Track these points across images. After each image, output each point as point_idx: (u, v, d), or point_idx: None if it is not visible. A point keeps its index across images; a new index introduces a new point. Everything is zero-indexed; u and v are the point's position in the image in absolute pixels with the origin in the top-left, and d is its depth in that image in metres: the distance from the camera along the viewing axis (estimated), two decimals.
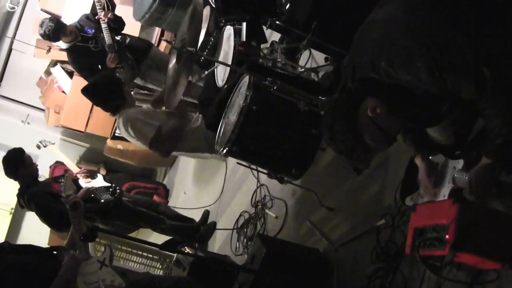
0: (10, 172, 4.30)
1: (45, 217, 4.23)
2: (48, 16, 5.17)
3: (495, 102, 1.70)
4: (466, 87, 1.69)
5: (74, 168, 5.40)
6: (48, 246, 6.39)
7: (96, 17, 4.75)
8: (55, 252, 2.65)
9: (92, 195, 4.35)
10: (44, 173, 6.47)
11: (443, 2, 1.73)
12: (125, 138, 6.73)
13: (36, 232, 6.63)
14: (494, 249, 1.75)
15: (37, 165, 4.39)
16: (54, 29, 4.66)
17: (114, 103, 4.03)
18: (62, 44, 4.91)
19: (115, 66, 4.82)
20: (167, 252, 4.17)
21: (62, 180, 3.08)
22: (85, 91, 4.13)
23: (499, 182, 1.88)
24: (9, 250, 2.51)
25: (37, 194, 4.20)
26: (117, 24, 4.87)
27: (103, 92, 4.05)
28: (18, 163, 4.25)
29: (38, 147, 5.44)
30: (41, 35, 4.76)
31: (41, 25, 4.69)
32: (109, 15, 4.73)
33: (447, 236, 1.76)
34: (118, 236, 3.94)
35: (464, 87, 1.70)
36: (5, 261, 2.42)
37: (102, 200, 4.38)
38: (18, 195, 4.32)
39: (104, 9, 4.72)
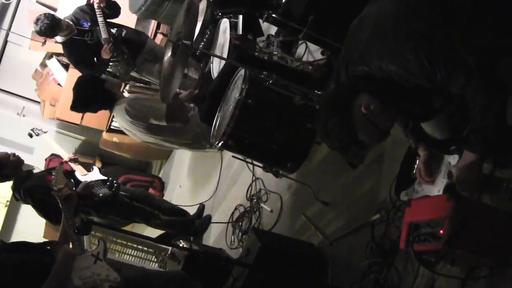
0: None
1: (43, 212, 4.20)
2: (43, 10, 5.10)
3: (482, 95, 1.70)
4: (456, 79, 1.70)
5: (65, 156, 5.30)
6: (43, 238, 6.38)
7: (91, 1, 4.68)
8: (48, 247, 2.63)
9: (91, 190, 4.34)
10: (39, 166, 6.46)
11: None
12: (121, 131, 6.70)
13: (31, 225, 6.64)
14: (487, 245, 1.75)
15: (14, 153, 4.16)
16: (50, 26, 4.60)
17: (104, 95, 4.07)
18: (58, 37, 4.87)
19: (109, 57, 4.80)
20: (162, 245, 4.16)
21: (53, 173, 3.00)
22: (73, 107, 4.18)
23: (486, 177, 1.88)
24: (2, 249, 2.49)
25: (33, 189, 4.16)
26: (111, 10, 4.80)
27: (89, 92, 4.09)
28: None
29: (30, 135, 5.33)
30: (36, 32, 4.70)
31: (36, 22, 4.61)
32: (102, 3, 4.67)
33: (441, 231, 1.76)
34: (113, 230, 3.94)
35: (453, 78, 1.70)
36: None
37: (100, 195, 4.37)
38: (13, 189, 4.29)
39: None
